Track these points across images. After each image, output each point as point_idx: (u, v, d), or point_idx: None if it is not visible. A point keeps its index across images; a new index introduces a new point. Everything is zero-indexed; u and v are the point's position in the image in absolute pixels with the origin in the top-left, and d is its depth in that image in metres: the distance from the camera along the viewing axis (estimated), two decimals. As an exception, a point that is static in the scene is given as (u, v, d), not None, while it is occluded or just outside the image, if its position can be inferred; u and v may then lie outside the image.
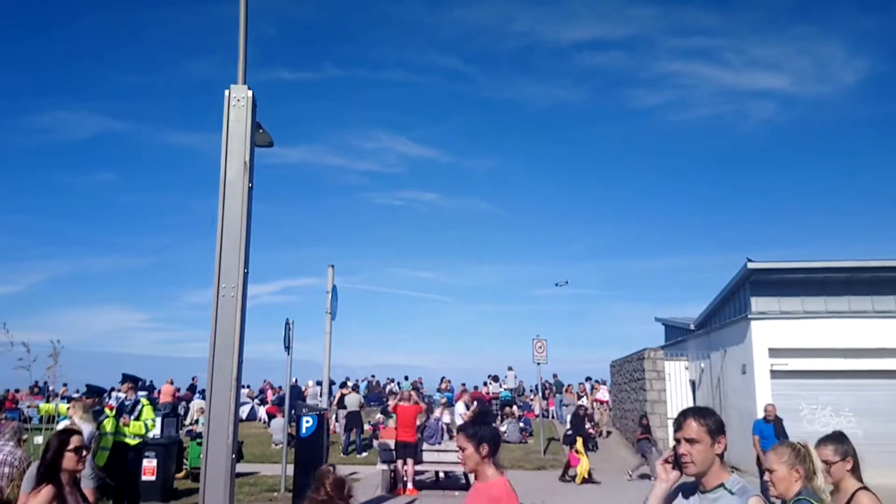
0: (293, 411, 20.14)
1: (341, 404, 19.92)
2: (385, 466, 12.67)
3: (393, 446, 12.64)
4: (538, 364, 19.26)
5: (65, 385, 22.31)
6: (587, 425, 18.10)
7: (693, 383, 20.41)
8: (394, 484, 12.57)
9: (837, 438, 3.57)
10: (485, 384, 30.60)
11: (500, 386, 29.21)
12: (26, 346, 6.53)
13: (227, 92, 7.82)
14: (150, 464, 10.95)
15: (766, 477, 3.24)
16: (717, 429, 2.62)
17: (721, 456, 2.59)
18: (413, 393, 15.07)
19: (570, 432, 15.10)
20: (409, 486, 12.32)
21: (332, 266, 9.31)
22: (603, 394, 25.71)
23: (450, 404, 30.19)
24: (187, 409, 24.37)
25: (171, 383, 26.56)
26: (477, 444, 3.44)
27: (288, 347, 12.32)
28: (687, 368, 20.66)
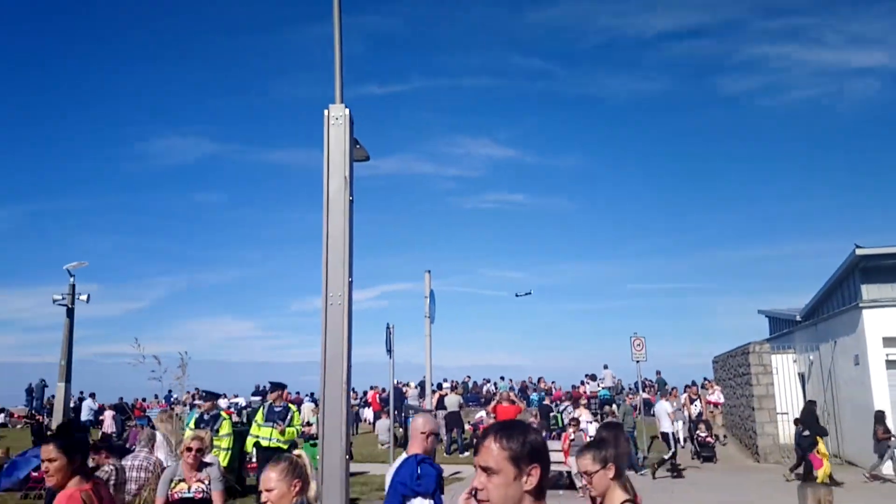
0: (401, 412, 20.72)
1: (441, 405, 20.34)
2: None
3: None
4: (637, 362, 18.96)
5: (188, 392, 23.89)
6: (703, 433, 17.22)
7: (802, 376, 19.55)
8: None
9: (597, 444, 3.16)
10: (582, 383, 30.31)
11: (598, 385, 28.86)
12: (157, 359, 7.18)
13: (325, 112, 8.26)
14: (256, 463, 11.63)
15: None
16: (527, 455, 1.85)
17: (536, 493, 1.85)
18: (512, 394, 15.25)
19: (806, 433, 13.89)
20: (513, 485, 12.46)
21: (429, 271, 9.63)
22: (716, 395, 23.15)
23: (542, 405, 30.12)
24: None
25: (284, 388, 27.86)
26: (603, 464, 2.99)
27: (390, 351, 12.78)
28: (795, 361, 19.78)
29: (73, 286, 25.15)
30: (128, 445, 15.30)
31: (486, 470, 1.86)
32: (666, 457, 14.91)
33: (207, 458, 7.72)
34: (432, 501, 4.11)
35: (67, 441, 3.32)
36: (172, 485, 5.52)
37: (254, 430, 10.06)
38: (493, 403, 19.98)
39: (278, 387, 10.80)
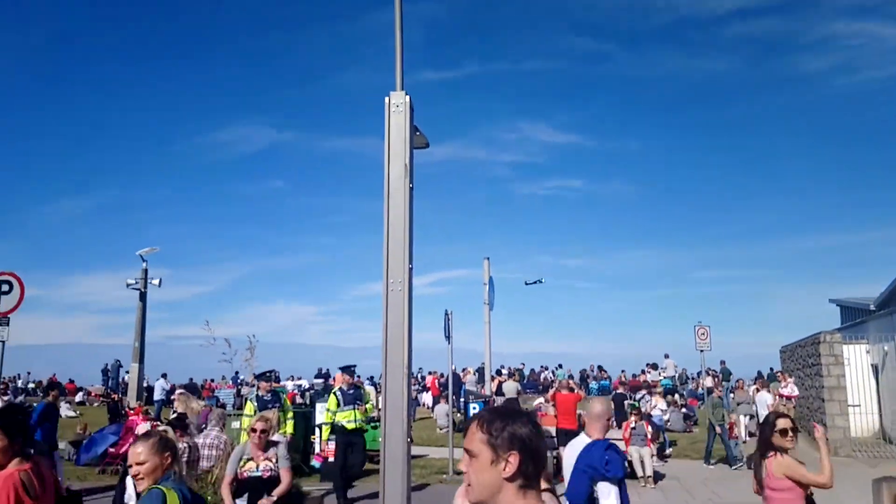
0: (459, 398, 20.87)
1: (499, 391, 20.38)
2: (548, 453, 12.85)
3: (554, 433, 12.79)
4: (701, 351, 18.54)
5: (253, 374, 24.64)
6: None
7: (875, 367, 18.74)
8: (557, 470, 12.70)
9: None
10: (643, 372, 29.86)
11: (660, 374, 28.36)
12: (227, 342, 7.43)
13: (386, 99, 8.33)
14: (331, 446, 11.90)
15: None
16: (505, 441, 1.79)
17: (519, 481, 1.78)
18: (571, 381, 15.16)
19: None
20: (574, 472, 12.41)
21: (488, 259, 9.63)
22: (789, 388, 21.12)
23: (609, 391, 29.80)
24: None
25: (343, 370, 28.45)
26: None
27: (448, 337, 12.87)
28: (868, 352, 18.97)
29: (146, 271, 26.23)
30: (198, 424, 15.93)
31: (468, 453, 1.85)
32: None
33: (275, 438, 7.96)
34: (618, 489, 4.20)
35: (7, 422, 3.36)
36: (241, 463, 5.67)
37: (328, 416, 10.30)
38: (551, 391, 19.91)
39: (347, 371, 11.04)
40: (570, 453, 4.59)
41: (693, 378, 28.89)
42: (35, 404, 30.02)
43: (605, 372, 33.19)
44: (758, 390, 19.09)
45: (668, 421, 19.08)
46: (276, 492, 5.55)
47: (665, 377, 27.89)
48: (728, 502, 10.53)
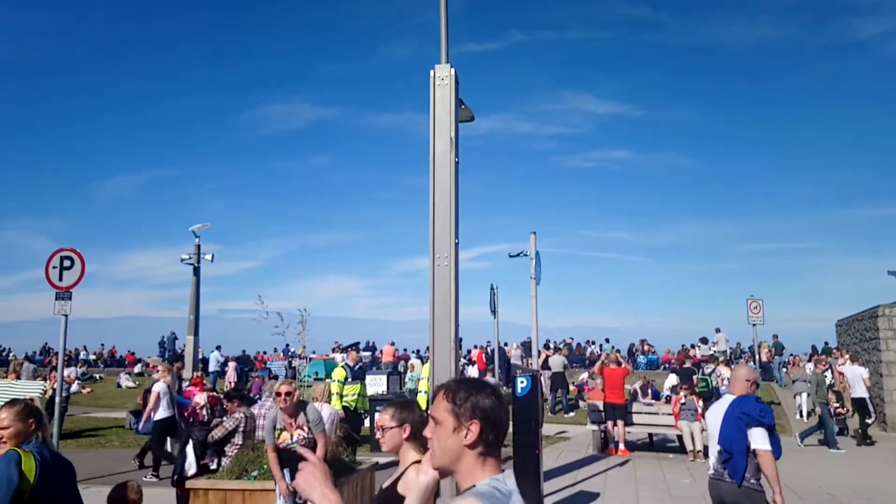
0: (504, 371, 20.92)
1: (545, 365, 20.35)
2: (595, 427, 12.82)
3: (602, 407, 12.74)
4: (753, 325, 18.15)
5: (303, 347, 25.15)
6: (835, 404, 15.91)
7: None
8: (605, 444, 12.69)
9: (401, 405, 3.45)
10: (692, 346, 29.40)
11: (710, 348, 27.86)
12: (280, 315, 7.56)
13: (431, 72, 8.26)
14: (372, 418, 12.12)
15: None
16: (468, 410, 1.84)
17: (479, 448, 1.82)
18: (618, 355, 15.03)
19: None
20: (621, 446, 12.37)
21: (534, 233, 9.56)
22: (854, 370, 20.34)
23: (657, 366, 29.46)
24: (405, 368, 26.29)
25: (392, 344, 28.85)
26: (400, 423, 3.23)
27: (494, 311, 12.88)
28: (931, 326, 18.21)
29: (199, 246, 26.87)
30: (251, 395, 16.40)
31: (433, 420, 1.90)
32: (869, 421, 14.57)
33: (325, 411, 8.11)
34: (769, 434, 4.59)
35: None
36: (277, 434, 5.66)
37: (337, 387, 10.43)
38: (597, 364, 19.79)
39: (354, 347, 11.24)
40: (715, 410, 4.97)
41: (745, 353, 28.33)
42: (96, 376, 30.96)
43: (653, 346, 32.81)
44: (852, 361, 18.00)
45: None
46: (316, 455, 5.56)
47: (716, 351, 27.39)
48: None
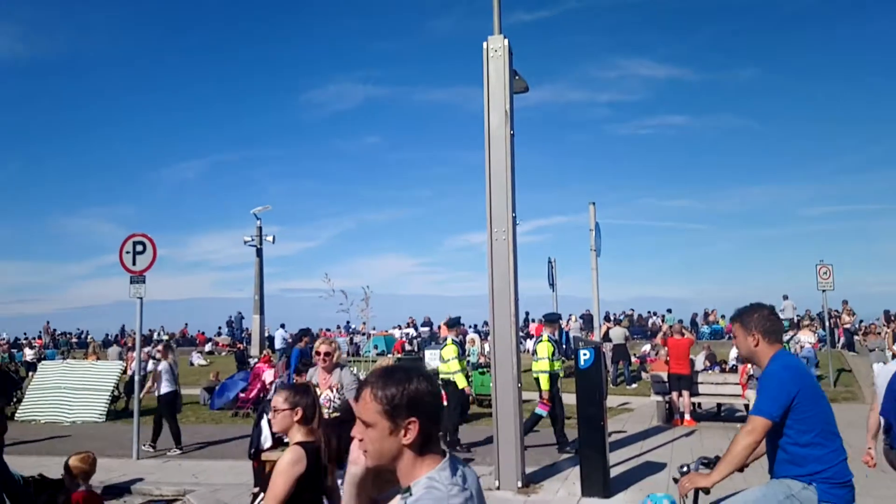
0: (566, 344, 20.85)
1: (606, 338, 20.18)
2: (659, 398, 12.69)
3: (666, 378, 12.59)
4: (823, 291, 17.51)
5: (363, 323, 25.64)
6: None
7: None
8: (670, 415, 12.55)
9: (295, 389, 3.57)
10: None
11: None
12: (344, 293, 7.77)
13: (484, 44, 8.19)
14: (442, 391, 12.27)
15: None
16: (402, 408, 1.69)
17: (419, 445, 1.70)
18: (681, 325, 14.77)
19: None
20: (687, 416, 12.22)
21: (594, 204, 9.42)
22: None
23: (721, 336, 28.81)
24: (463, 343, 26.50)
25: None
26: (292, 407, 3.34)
27: (552, 284, 12.83)
28: None
29: (260, 228, 27.61)
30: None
31: (363, 423, 1.73)
32: None
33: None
34: None
35: None
36: None
37: (460, 364, 10.26)
38: (659, 335, 19.48)
39: (455, 324, 11.23)
40: (885, 374, 4.98)
41: (814, 319, 27.42)
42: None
43: (714, 312, 32.10)
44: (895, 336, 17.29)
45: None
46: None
47: (784, 319, 26.61)
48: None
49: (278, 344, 28.37)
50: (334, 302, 7.57)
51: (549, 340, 9.99)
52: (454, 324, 11.19)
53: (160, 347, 12.14)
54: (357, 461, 1.80)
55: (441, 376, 9.99)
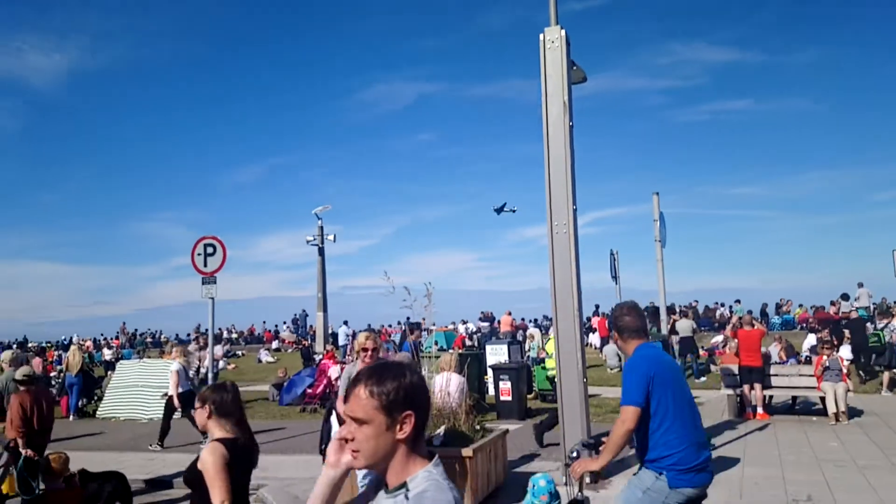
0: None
1: (673, 330, 19.72)
2: (730, 391, 12.33)
3: (737, 371, 12.22)
4: (904, 278, 16.64)
5: (423, 318, 25.77)
6: None
7: None
8: (741, 409, 12.18)
9: (212, 386, 3.68)
10: (832, 303, 27.46)
11: (852, 305, 25.88)
12: (408, 290, 7.80)
13: (541, 36, 8.09)
14: (505, 385, 12.25)
15: None
16: (399, 402, 1.68)
17: (411, 441, 1.70)
18: (751, 316, 14.29)
19: None
20: (760, 410, 11.83)
21: (657, 194, 9.22)
22: None
23: (793, 326, 27.77)
24: (524, 338, 26.36)
25: (510, 314, 29.03)
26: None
27: (615, 277, 12.62)
28: None
29: (322, 228, 28.11)
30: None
31: (355, 420, 1.68)
32: None
33: (454, 380, 8.31)
34: None
35: None
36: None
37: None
38: (728, 327, 18.92)
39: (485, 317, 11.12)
40: None
41: (892, 306, 26.11)
42: (239, 353, 33.04)
43: (790, 304, 30.95)
44: None
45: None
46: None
47: (859, 307, 25.43)
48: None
49: (342, 340, 28.85)
50: (396, 298, 7.61)
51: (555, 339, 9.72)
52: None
53: (175, 349, 12.55)
54: (336, 464, 1.77)
55: (548, 373, 9.79)
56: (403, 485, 1.67)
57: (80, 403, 15.07)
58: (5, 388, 8.09)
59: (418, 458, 1.71)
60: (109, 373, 18.29)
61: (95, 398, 15.98)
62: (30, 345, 31.39)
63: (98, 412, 14.90)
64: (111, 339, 38.37)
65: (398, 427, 1.67)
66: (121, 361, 19.47)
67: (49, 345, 35.20)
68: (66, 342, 36.26)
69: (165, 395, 11.23)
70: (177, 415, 11.14)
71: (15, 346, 26.41)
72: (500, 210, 35.45)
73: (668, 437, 3.65)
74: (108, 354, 26.62)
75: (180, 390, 11.04)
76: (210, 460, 3.27)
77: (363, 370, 1.76)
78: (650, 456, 3.71)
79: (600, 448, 4.01)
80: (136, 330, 43.17)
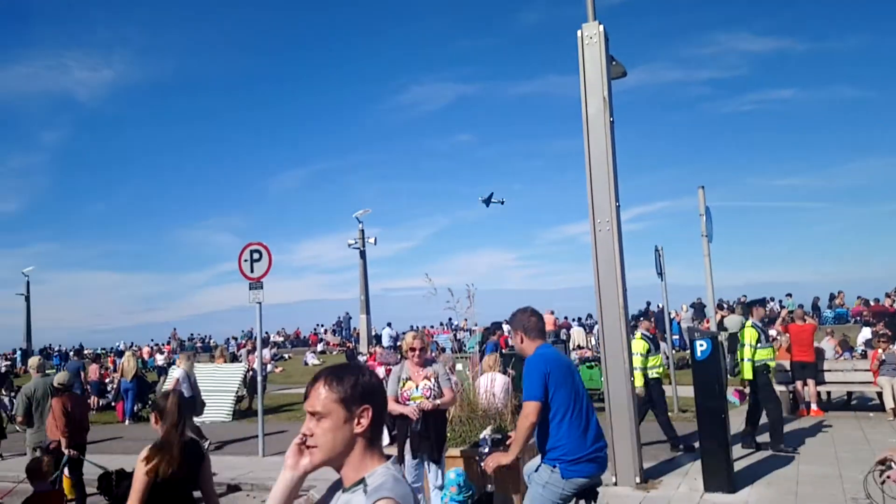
0: (680, 336, 20.14)
1: (721, 326, 19.32)
2: (782, 388, 12.03)
3: (788, 367, 11.92)
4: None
5: (465, 320, 25.80)
6: None
7: None
8: (794, 405, 11.88)
9: (163, 395, 3.93)
10: (887, 295, 26.59)
11: (911, 296, 25.01)
12: (450, 291, 7.84)
13: (578, 32, 8.02)
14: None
15: None
16: (357, 396, 1.74)
17: (369, 435, 1.75)
18: (800, 310, 13.94)
19: None
20: (814, 406, 11.52)
21: (703, 187, 9.03)
22: None
23: (846, 320, 26.98)
24: (567, 336, 26.16)
25: (552, 313, 28.80)
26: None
27: (661, 273, 12.40)
28: None
29: (363, 231, 28.39)
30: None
31: (314, 415, 1.74)
32: None
33: (499, 381, 8.30)
34: None
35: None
36: (401, 384, 5.82)
37: (640, 360, 9.77)
38: (777, 322, 18.43)
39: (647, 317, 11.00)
40: None
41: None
42: (285, 356, 33.30)
43: (842, 295, 30.03)
44: None
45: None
46: (440, 401, 5.63)
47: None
48: None
49: (385, 342, 29.09)
50: (438, 299, 7.66)
51: (752, 326, 9.15)
52: (641, 317, 10.78)
53: (181, 355, 12.99)
54: (294, 467, 1.77)
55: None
56: (362, 480, 1.72)
57: (135, 408, 15.52)
58: (33, 394, 8.46)
59: (376, 454, 1.76)
60: (162, 378, 18.76)
61: (149, 402, 16.43)
62: (85, 351, 32.42)
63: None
64: (162, 344, 39.39)
65: (356, 421, 1.72)
66: (173, 366, 19.95)
67: (104, 351, 36.33)
68: (119, 349, 37.37)
69: (241, 398, 11.49)
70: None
71: (72, 353, 27.27)
72: (487, 201, 35.19)
73: (561, 430, 3.99)
74: (160, 360, 27.29)
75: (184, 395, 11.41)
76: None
77: (322, 370, 1.83)
78: (545, 449, 4.09)
79: (507, 443, 4.40)
80: (191, 334, 44.36)
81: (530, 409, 4.01)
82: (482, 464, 4.20)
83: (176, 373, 11.92)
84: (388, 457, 1.79)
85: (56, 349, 41.24)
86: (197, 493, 3.75)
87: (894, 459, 3.95)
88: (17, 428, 9.91)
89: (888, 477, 3.77)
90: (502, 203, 36.23)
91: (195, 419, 13.32)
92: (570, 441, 3.96)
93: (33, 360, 10.07)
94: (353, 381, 1.75)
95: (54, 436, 7.49)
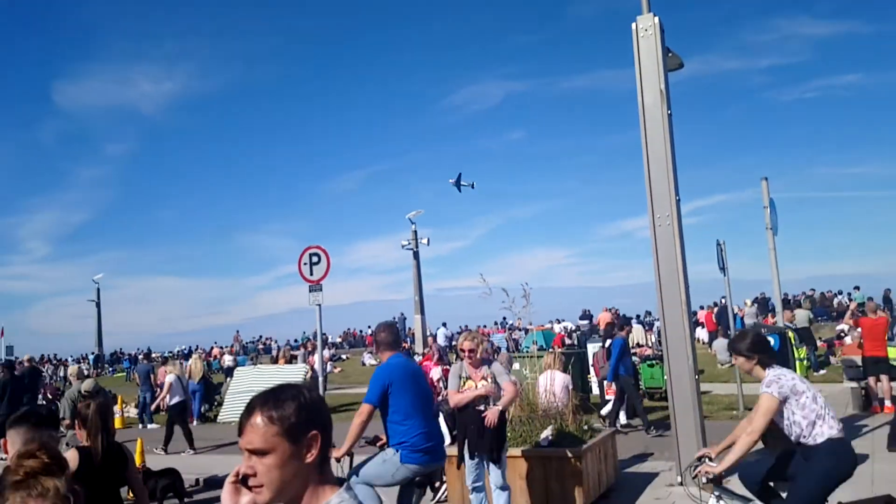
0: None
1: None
2: (854, 384, 11.57)
3: (860, 362, 11.45)
4: None
5: (518, 319, 25.66)
6: None
7: None
8: (867, 402, 11.40)
9: (84, 402, 4.03)
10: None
11: None
12: (505, 291, 7.83)
13: (633, 24, 7.89)
14: (610, 385, 12.00)
15: None
16: (303, 423, 1.52)
17: (318, 463, 1.54)
18: (872, 303, 13.33)
19: None
20: (888, 403, 11.03)
21: (766, 178, 8.77)
22: None
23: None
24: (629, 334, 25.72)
25: (608, 310, 28.43)
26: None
27: (723, 268, 12.08)
28: None
29: (416, 232, 28.59)
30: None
31: (254, 452, 1.51)
32: None
33: (558, 379, 8.23)
34: None
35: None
36: (462, 382, 5.81)
37: None
38: (846, 315, 17.73)
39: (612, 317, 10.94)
40: None
41: None
42: (343, 356, 33.91)
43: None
44: None
45: None
46: (501, 402, 5.59)
47: None
48: None
49: (441, 341, 29.23)
50: (493, 299, 7.65)
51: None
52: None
53: (170, 362, 13.44)
54: (251, 495, 1.52)
55: None
56: None
57: (202, 409, 16.01)
58: (76, 398, 8.91)
59: (328, 483, 1.58)
60: (228, 379, 19.24)
61: (216, 403, 16.92)
62: (153, 355, 33.62)
63: (219, 417, 15.77)
64: (226, 347, 40.53)
65: (305, 451, 1.53)
66: (238, 368, 20.48)
67: (171, 354, 37.63)
68: (185, 352, 38.59)
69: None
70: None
71: (141, 356, 28.32)
72: (458, 184, 34.42)
73: (405, 428, 4.84)
74: (228, 361, 28.03)
75: (177, 399, 11.79)
76: None
77: (254, 397, 1.61)
78: (392, 442, 4.92)
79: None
80: (258, 336, 45.61)
81: (364, 409, 4.90)
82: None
83: (169, 378, 12.34)
84: (341, 482, 1.62)
85: (126, 353, 42.90)
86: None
87: (709, 455, 4.52)
88: (63, 430, 10.48)
89: (699, 472, 4.36)
90: (472, 187, 35.40)
91: (193, 421, 13.83)
92: (414, 436, 4.82)
93: (72, 369, 11.10)
94: (296, 407, 1.53)
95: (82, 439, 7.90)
